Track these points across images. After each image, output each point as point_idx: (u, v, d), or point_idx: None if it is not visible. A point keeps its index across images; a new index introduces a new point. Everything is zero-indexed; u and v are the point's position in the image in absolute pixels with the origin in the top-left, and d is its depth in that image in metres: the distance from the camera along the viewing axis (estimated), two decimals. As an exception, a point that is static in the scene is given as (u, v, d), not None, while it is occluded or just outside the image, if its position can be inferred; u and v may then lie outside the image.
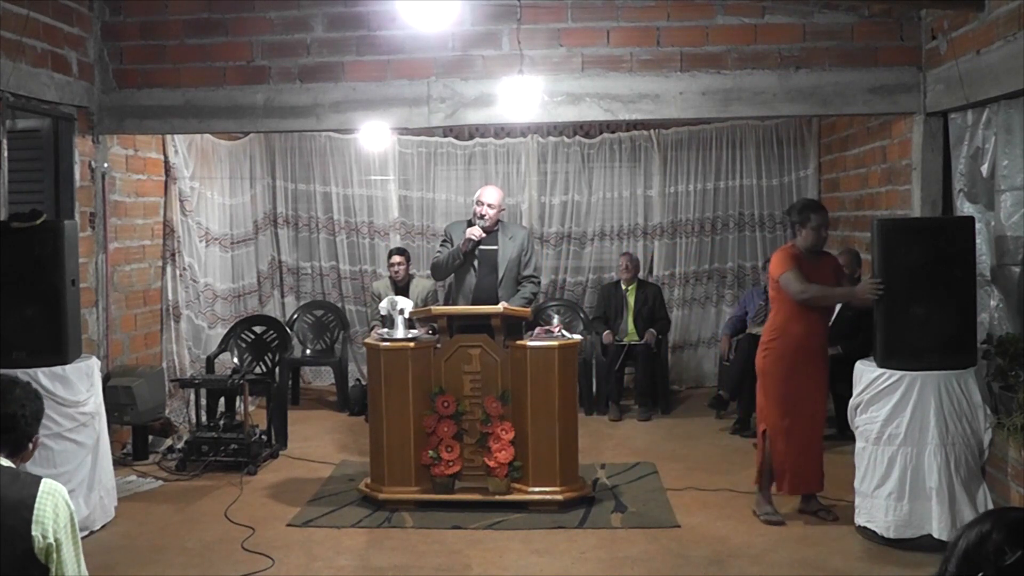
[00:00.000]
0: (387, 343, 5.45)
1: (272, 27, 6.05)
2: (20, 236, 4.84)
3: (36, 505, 2.50)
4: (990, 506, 4.54)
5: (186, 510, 5.39)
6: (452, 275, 6.02)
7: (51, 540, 2.49)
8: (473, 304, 5.72)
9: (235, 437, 6.10)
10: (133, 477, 5.96)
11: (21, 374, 4.53)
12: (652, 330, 7.75)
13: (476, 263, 5.87)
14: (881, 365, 4.71)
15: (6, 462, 2.64)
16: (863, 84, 5.79)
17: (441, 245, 6.05)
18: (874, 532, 4.71)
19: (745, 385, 7.05)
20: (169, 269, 7.04)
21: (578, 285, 8.78)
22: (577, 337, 5.66)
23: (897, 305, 4.66)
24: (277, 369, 6.96)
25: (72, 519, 2.58)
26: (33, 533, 2.48)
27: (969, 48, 5.04)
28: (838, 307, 6.66)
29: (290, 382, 7.90)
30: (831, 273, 5.11)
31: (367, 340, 5.75)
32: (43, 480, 2.57)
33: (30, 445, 2.78)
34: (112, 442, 5.44)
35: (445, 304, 6.27)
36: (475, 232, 5.78)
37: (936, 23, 5.50)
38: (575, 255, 8.79)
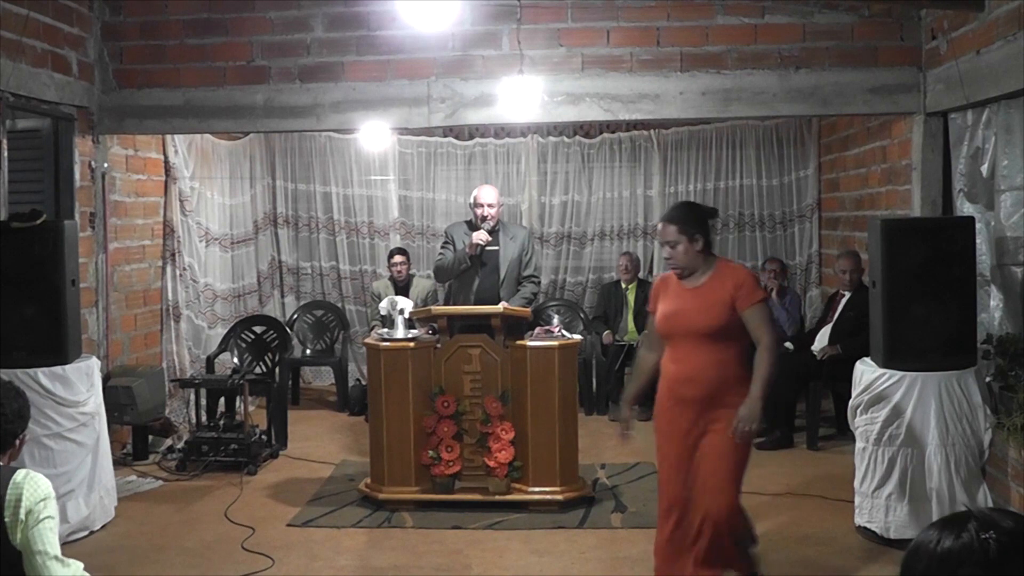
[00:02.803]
0: (387, 343, 5.45)
1: (272, 27, 6.05)
2: (20, 236, 4.84)
3: (7, 493, 2.55)
4: (990, 506, 4.54)
5: (186, 510, 5.39)
6: (453, 276, 6.03)
7: (21, 516, 2.54)
8: (475, 304, 5.72)
9: (235, 437, 6.09)
10: (133, 477, 5.96)
11: (21, 374, 4.57)
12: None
13: (478, 264, 5.86)
14: (881, 365, 4.71)
15: None
16: (863, 84, 5.79)
17: (442, 247, 6.04)
18: (874, 532, 4.71)
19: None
20: (169, 269, 7.04)
21: (578, 285, 8.78)
22: (577, 337, 5.66)
23: (897, 305, 4.66)
24: (277, 369, 6.96)
25: (46, 500, 2.61)
26: (7, 519, 2.52)
27: (969, 48, 5.04)
28: (840, 307, 6.67)
29: (290, 382, 7.90)
30: (710, 305, 3.72)
31: (367, 340, 5.74)
32: (18, 471, 2.62)
33: (16, 442, 2.81)
34: (112, 442, 5.44)
35: (446, 304, 6.26)
36: (482, 237, 5.76)
37: (936, 23, 5.50)
38: (575, 255, 8.79)
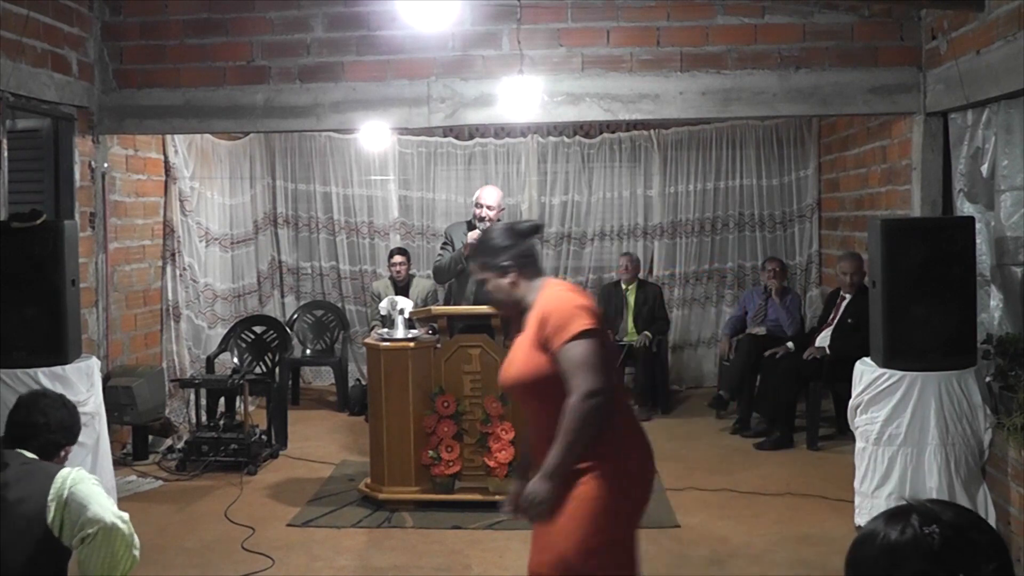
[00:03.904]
0: (387, 343, 5.45)
1: (272, 27, 6.05)
2: (20, 236, 4.83)
3: (52, 485, 2.63)
4: (990, 506, 4.54)
5: (186, 510, 5.39)
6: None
7: (65, 495, 2.61)
8: (475, 305, 5.73)
9: (235, 437, 6.10)
10: (133, 477, 5.96)
11: (21, 374, 4.57)
12: (647, 332, 7.73)
13: (475, 263, 5.87)
14: (881, 365, 4.71)
15: (30, 455, 2.73)
16: (863, 84, 5.79)
17: (442, 247, 6.05)
18: (874, 532, 4.70)
19: (745, 385, 7.08)
20: (169, 269, 7.04)
21: (578, 285, 8.78)
22: (577, 337, 5.65)
23: (897, 305, 4.66)
24: (277, 369, 6.96)
25: (89, 481, 2.69)
26: (50, 511, 2.59)
27: (969, 48, 5.04)
28: (842, 309, 6.66)
29: (290, 382, 7.90)
30: (523, 351, 2.80)
31: (367, 340, 5.75)
32: (64, 467, 2.70)
33: (62, 453, 2.87)
34: (112, 442, 5.43)
35: (446, 304, 6.27)
36: (476, 236, 5.77)
37: (936, 23, 5.50)
38: (575, 255, 8.79)
